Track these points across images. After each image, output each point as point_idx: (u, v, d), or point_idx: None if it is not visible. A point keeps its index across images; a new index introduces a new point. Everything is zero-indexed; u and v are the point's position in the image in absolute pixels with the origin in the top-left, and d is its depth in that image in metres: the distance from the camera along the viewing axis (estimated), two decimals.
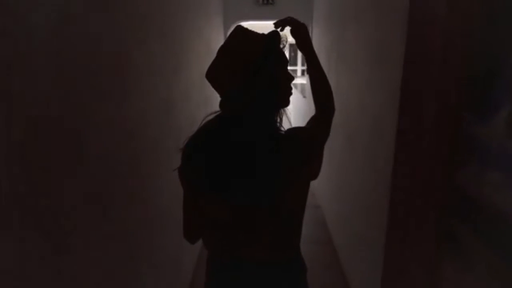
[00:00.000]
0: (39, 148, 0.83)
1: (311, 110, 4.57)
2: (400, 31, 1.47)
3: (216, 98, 0.95)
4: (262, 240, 0.97)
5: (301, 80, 11.02)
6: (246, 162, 0.87)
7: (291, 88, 0.99)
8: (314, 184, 4.36)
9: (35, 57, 0.81)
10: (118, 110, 1.30)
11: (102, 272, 1.16)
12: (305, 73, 4.96)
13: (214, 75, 0.89)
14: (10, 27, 0.72)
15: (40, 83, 0.83)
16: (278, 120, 0.95)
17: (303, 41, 1.08)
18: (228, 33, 4.99)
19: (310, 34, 4.69)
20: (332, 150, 3.16)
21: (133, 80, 1.46)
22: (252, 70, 0.85)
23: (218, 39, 4.23)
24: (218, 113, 0.95)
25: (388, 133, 1.64)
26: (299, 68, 15.72)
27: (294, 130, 0.97)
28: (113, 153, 1.25)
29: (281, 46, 0.94)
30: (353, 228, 2.44)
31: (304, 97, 5.30)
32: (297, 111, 7.06)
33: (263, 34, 0.92)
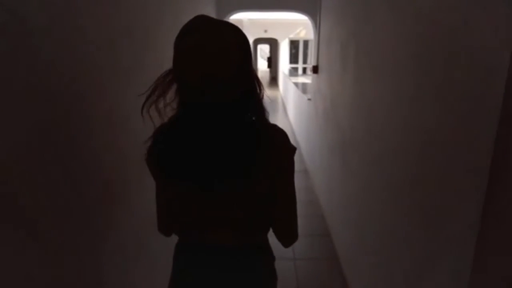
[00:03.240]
0: None
1: (316, 114, 3.97)
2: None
3: None
4: (230, 224, 0.98)
5: (302, 79, 10.42)
6: (222, 147, 0.87)
7: None
8: (322, 204, 3.79)
9: None
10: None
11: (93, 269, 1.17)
12: (310, 71, 4.39)
13: (201, 67, 0.78)
14: None
15: None
16: (260, 107, 0.93)
17: None
18: None
19: (316, 29, 4.10)
20: (350, 169, 2.54)
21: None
22: (243, 56, 0.84)
23: None
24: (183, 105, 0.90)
25: (461, 156, 1.03)
26: (300, 66, 15.08)
27: (283, 139, 0.93)
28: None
29: None
30: (378, 274, 1.83)
31: (309, 99, 4.67)
32: (299, 114, 6.43)
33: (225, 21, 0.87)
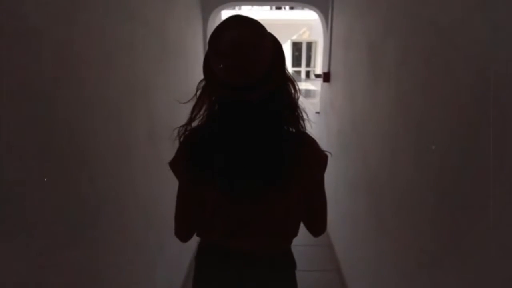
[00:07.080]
0: None
1: (328, 133, 2.95)
2: None
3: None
4: (257, 232, 0.99)
5: (305, 85, 9.61)
6: (253, 149, 0.87)
7: None
8: (343, 268, 2.90)
9: None
10: None
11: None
12: (313, 76, 3.61)
13: (235, 61, 0.78)
14: None
15: None
16: (298, 115, 0.93)
17: None
18: (217, 21, 3.58)
19: (327, 27, 3.29)
20: (384, 223, 1.74)
21: None
22: (277, 54, 0.85)
23: (192, 30, 2.79)
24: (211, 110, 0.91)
25: None
26: (303, 69, 14.33)
27: (316, 152, 0.94)
28: None
29: None
30: None
31: (317, 112, 3.86)
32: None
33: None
